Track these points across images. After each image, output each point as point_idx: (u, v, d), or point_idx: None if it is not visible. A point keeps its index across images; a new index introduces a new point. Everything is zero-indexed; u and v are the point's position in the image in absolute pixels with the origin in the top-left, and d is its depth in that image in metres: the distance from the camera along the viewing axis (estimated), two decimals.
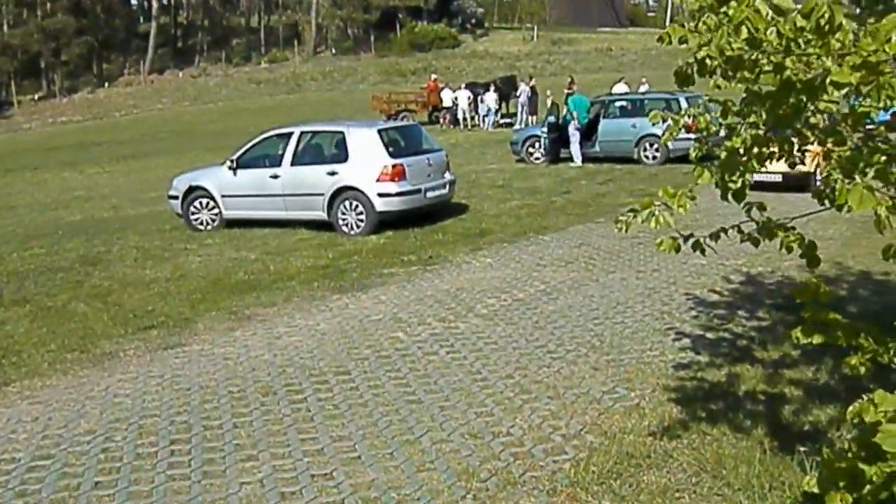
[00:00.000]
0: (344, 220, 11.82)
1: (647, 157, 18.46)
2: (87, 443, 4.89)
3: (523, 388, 5.51)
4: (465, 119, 32.58)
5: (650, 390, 5.36)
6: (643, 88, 27.55)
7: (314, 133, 12.94)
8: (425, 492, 4.13)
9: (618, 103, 19.98)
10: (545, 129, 19.60)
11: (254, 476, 4.36)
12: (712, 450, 4.37)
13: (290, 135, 12.60)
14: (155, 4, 73.04)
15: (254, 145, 12.80)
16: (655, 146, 18.40)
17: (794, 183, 12.10)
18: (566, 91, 25.94)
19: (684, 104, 18.25)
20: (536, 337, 6.60)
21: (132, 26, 73.47)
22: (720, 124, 3.97)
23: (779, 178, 12.59)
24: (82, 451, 4.77)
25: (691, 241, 3.49)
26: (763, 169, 3.39)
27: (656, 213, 3.13)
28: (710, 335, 6.47)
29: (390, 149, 12.01)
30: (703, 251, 3.54)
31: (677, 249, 3.43)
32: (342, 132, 12.35)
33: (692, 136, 15.97)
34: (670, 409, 4.98)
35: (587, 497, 3.97)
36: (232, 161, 12.65)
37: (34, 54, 65.89)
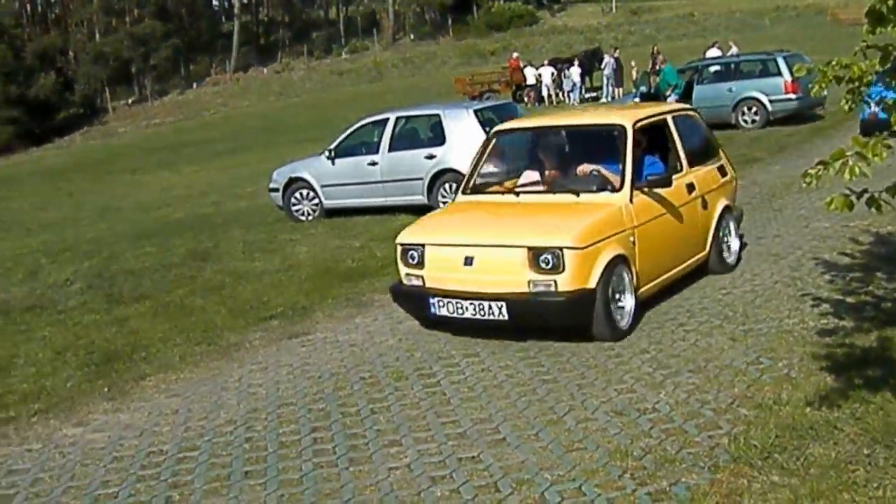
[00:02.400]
0: (444, 202, 11.73)
1: (745, 121, 17.87)
2: (230, 433, 4.92)
3: (661, 362, 5.33)
4: (549, 95, 32.17)
5: (797, 359, 5.11)
6: (732, 52, 26.64)
7: (409, 118, 12.89)
8: (579, 472, 4.00)
9: (712, 68, 19.37)
10: (637, 100, 19.15)
11: (400, 461, 4.31)
12: (879, 418, 4.12)
13: (385, 121, 12.59)
14: (236, 4, 74.48)
15: (350, 134, 12.83)
16: (754, 109, 17.81)
17: None
18: (656, 62, 25.38)
19: (783, 64, 17.60)
20: (665, 310, 6.39)
21: (216, 27, 75.13)
22: (876, 73, 3.69)
23: None
24: (226, 442, 4.80)
25: (865, 197, 3.23)
26: None
27: (850, 163, 2.88)
28: (850, 299, 6.15)
29: (487, 129, 11.86)
30: (878, 207, 3.27)
31: (850, 207, 3.19)
32: (438, 115, 12.28)
33: (792, 96, 15.21)
34: (824, 378, 4.74)
35: (753, 472, 3.78)
36: (330, 151, 12.71)
37: (125, 60, 67.94)
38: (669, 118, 7.03)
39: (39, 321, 8.25)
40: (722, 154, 7.63)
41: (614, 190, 6.18)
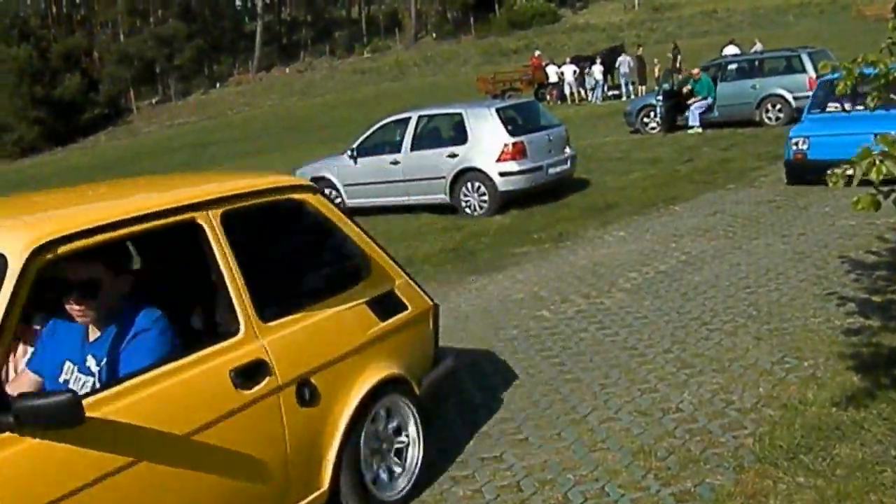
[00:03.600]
0: (467, 201, 11.75)
1: (769, 118, 17.72)
2: None
3: (685, 361, 5.29)
4: (572, 94, 32.06)
5: (823, 359, 5.06)
6: (757, 48, 26.42)
7: (431, 117, 12.89)
8: (602, 472, 3.99)
9: (735, 65, 19.21)
10: (660, 98, 19.04)
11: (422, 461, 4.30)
12: None
13: (407, 120, 12.60)
14: (259, 4, 74.85)
15: (372, 133, 12.86)
16: (778, 107, 17.65)
17: None
18: (677, 60, 25.30)
19: (807, 61, 17.45)
20: (688, 309, 6.35)
21: (239, 27, 75.57)
22: None
23: None
24: None
25: (893, 196, 3.19)
26: None
27: (877, 162, 2.85)
28: (876, 298, 6.08)
29: (509, 127, 11.85)
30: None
31: (877, 206, 3.15)
32: (460, 114, 12.28)
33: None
34: (850, 378, 4.68)
35: (779, 473, 3.75)
36: (352, 150, 12.76)
37: (149, 61, 68.54)
38: (205, 219, 3.25)
39: None
40: (388, 269, 4.08)
41: None
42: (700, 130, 17.93)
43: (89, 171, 35.53)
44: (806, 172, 10.34)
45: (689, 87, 18.82)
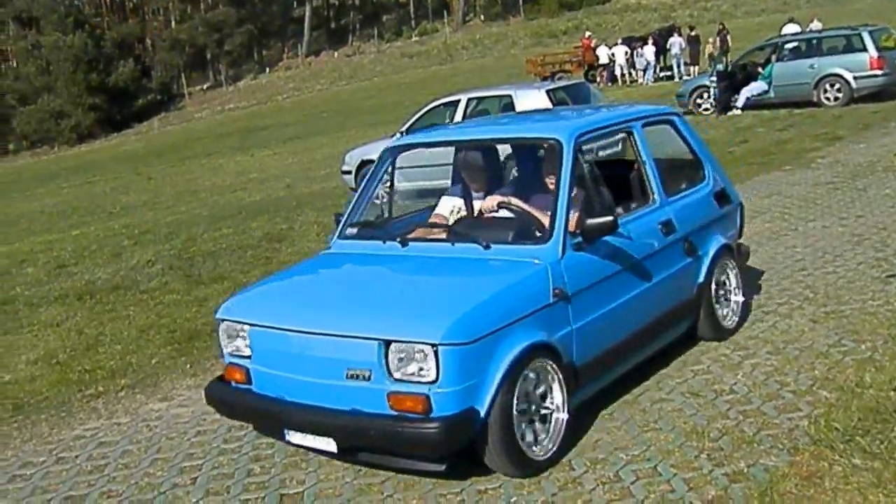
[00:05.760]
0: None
1: (827, 98, 17.33)
2: None
3: (738, 343, 5.24)
4: (622, 75, 31.72)
5: (882, 342, 4.97)
6: (814, 27, 25.82)
7: (481, 99, 12.87)
8: (654, 452, 3.98)
9: (792, 44, 18.80)
10: (713, 79, 18.75)
11: None
12: None
13: (457, 102, 12.61)
14: None
15: (422, 116, 12.89)
16: (837, 86, 17.25)
17: None
18: (726, 41, 24.86)
19: (868, 39, 17.00)
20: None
21: (288, 12, 75.93)
22: None
23: None
24: None
25: None
26: None
27: None
28: None
29: None
30: None
31: None
32: (510, 95, 12.24)
33: (878, 73, 14.63)
34: None
35: (834, 455, 3.70)
36: (402, 133, 12.78)
37: (200, 47, 69.41)
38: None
39: (124, 301, 8.53)
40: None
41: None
42: (739, 112, 17.69)
43: (145, 156, 36.20)
44: None
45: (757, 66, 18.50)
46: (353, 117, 34.37)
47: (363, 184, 5.07)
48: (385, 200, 5.38)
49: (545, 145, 4.64)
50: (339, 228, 4.94)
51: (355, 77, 59.81)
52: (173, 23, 73.49)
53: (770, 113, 17.18)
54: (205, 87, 68.87)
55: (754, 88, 18.04)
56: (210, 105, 61.40)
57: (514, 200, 4.61)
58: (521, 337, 3.79)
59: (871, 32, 17.25)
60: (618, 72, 31.79)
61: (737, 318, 5.50)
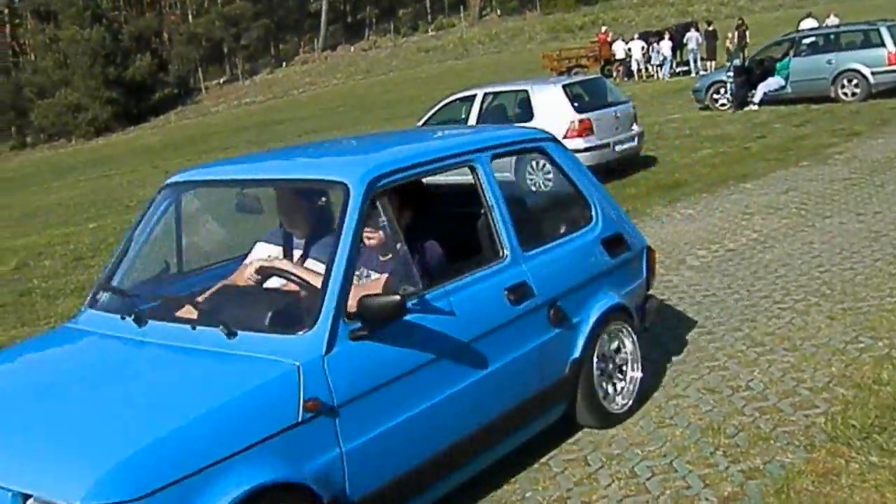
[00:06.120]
0: (531, 179, 11.70)
1: (845, 94, 17.19)
2: None
3: (755, 340, 5.23)
4: (639, 70, 31.59)
5: None
6: (830, 22, 25.61)
7: (497, 94, 12.85)
8: (670, 448, 3.98)
9: (809, 39, 18.66)
10: (730, 74, 18.64)
11: None
12: None
13: (473, 97, 12.60)
14: None
15: (438, 110, 12.88)
16: (855, 82, 17.12)
17: None
18: (744, 37, 24.68)
19: (886, 35, 16.88)
20: (758, 287, 6.26)
21: (304, 6, 76.02)
22: None
23: None
24: None
25: None
26: None
27: None
28: None
29: (576, 104, 11.78)
30: None
31: None
32: (526, 91, 12.22)
33: None
34: None
35: (851, 452, 3.70)
36: (417, 128, 12.81)
37: (217, 41, 69.68)
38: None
39: None
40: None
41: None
42: (756, 108, 17.60)
43: (161, 150, 36.36)
44: None
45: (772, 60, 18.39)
46: (369, 112, 34.41)
47: (128, 232, 3.89)
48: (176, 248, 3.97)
49: (329, 190, 3.59)
50: (92, 292, 3.76)
51: (371, 71, 59.82)
52: (190, 17, 73.77)
53: (787, 108, 17.08)
54: (221, 81, 69.08)
55: (771, 84, 17.95)
56: (227, 99, 61.58)
57: (283, 264, 3.50)
58: (241, 478, 2.61)
59: (889, 27, 17.11)
60: (634, 67, 31.64)
61: (630, 401, 4.33)
